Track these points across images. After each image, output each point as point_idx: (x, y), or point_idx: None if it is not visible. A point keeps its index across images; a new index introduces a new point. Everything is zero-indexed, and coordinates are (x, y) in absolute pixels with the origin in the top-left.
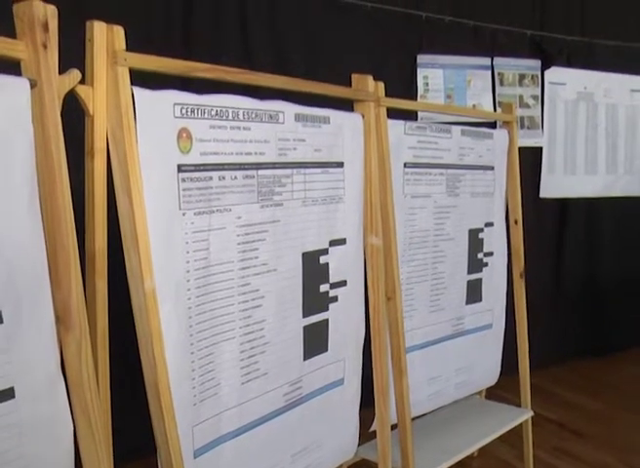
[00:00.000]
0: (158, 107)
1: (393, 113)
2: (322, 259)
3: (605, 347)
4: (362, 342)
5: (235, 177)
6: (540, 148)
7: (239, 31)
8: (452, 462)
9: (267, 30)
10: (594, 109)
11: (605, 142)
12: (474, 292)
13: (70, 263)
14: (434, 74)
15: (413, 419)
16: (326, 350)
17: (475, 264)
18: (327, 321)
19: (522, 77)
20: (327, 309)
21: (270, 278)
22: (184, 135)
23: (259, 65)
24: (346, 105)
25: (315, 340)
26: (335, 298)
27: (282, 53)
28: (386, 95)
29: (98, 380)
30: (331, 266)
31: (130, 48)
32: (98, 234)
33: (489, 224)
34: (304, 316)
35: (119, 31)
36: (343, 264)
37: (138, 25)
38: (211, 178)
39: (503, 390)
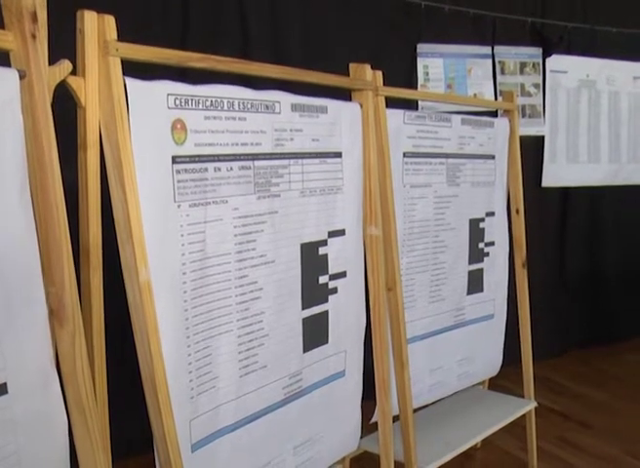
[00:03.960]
0: (151, 98)
1: (394, 103)
2: (321, 250)
3: (608, 337)
4: (363, 334)
5: (231, 169)
6: (542, 137)
7: (237, 22)
8: (455, 453)
9: (265, 18)
10: (596, 97)
11: (608, 130)
12: (475, 283)
13: (63, 256)
14: (434, 63)
15: (415, 411)
16: (326, 342)
17: (476, 254)
18: (327, 312)
19: (523, 65)
20: (326, 301)
21: (268, 270)
22: (179, 125)
23: (256, 55)
24: (345, 95)
25: (315, 332)
26: (334, 290)
27: (280, 42)
28: (387, 84)
29: (94, 375)
30: (330, 257)
31: (126, 39)
32: (92, 227)
33: (490, 214)
34: (304, 308)
35: (110, 21)
36: (343, 255)
37: (133, 16)
38: (206, 170)
39: (506, 380)
